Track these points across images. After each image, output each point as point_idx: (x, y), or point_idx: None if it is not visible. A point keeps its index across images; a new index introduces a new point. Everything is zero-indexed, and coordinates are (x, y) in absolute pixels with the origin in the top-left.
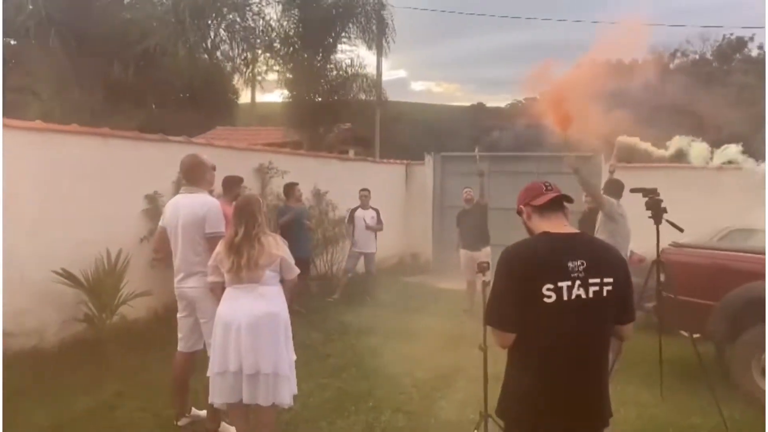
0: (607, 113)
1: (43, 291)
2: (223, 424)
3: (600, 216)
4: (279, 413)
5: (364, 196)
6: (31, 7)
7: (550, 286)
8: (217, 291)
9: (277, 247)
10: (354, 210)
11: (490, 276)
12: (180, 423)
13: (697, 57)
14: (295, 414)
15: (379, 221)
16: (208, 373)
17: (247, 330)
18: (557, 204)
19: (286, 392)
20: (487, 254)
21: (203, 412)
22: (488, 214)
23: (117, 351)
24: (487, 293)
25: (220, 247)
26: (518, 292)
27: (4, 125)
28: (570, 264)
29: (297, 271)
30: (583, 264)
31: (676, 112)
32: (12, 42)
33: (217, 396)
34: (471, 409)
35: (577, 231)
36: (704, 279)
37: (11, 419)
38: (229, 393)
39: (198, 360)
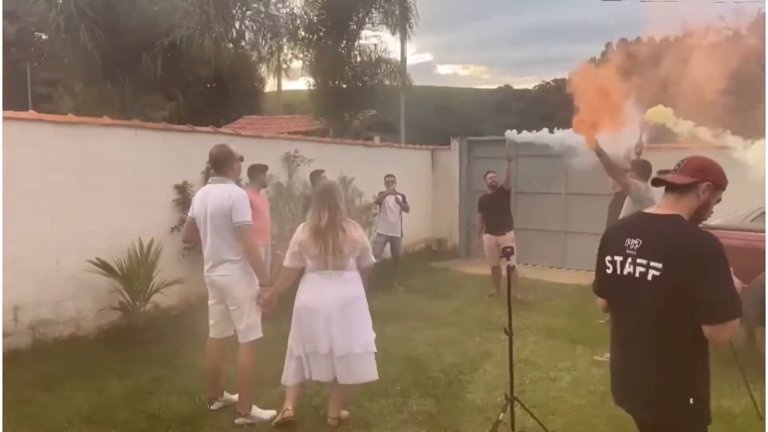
0: (640, 96)
1: (80, 280)
2: (255, 408)
3: (627, 200)
4: (309, 397)
5: (390, 181)
6: (61, 2)
7: (609, 258)
8: (290, 276)
9: (359, 233)
10: (382, 194)
11: (514, 261)
12: (213, 407)
13: (731, 33)
14: (324, 398)
15: (404, 204)
16: (294, 354)
17: (338, 314)
18: (671, 185)
19: (374, 367)
20: (512, 238)
21: (235, 397)
22: (514, 198)
23: (151, 338)
24: (512, 278)
25: (303, 234)
26: (598, 261)
27: (38, 119)
28: (627, 240)
29: (374, 258)
30: (639, 242)
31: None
32: (44, 37)
33: (314, 373)
34: (498, 392)
35: (668, 213)
36: (734, 261)
37: (53, 404)
38: (324, 373)
39: (229, 346)
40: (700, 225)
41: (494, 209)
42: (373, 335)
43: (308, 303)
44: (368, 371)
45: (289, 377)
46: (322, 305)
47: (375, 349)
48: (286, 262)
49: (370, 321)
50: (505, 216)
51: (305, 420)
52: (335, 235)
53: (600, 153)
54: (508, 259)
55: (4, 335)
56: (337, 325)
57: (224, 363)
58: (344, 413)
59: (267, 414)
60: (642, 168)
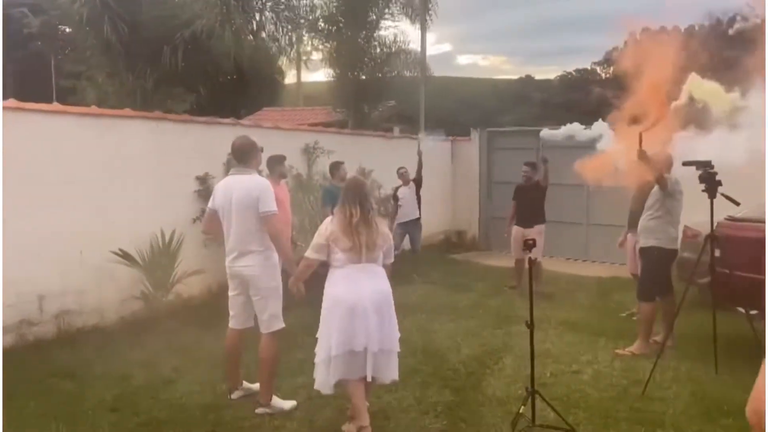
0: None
1: (103, 270)
2: (275, 398)
3: (655, 192)
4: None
5: (403, 173)
6: None
7: None
8: (310, 266)
9: (386, 228)
10: (398, 188)
11: (536, 254)
12: (233, 396)
13: (758, 20)
14: (342, 389)
15: (418, 177)
16: (321, 358)
17: (374, 309)
18: None
19: (396, 367)
20: (538, 232)
21: (255, 386)
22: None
23: (173, 327)
24: (535, 271)
25: (333, 226)
26: None
27: (62, 111)
28: None
29: (393, 257)
30: None
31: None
32: (67, 30)
33: (342, 373)
34: (518, 385)
35: None
36: (761, 254)
37: (77, 392)
38: (354, 370)
39: (249, 336)
40: (727, 217)
41: (527, 202)
42: (398, 334)
43: (345, 297)
44: (394, 370)
45: (322, 384)
46: (359, 300)
47: (399, 349)
48: (309, 253)
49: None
50: (536, 210)
51: (325, 410)
52: (368, 228)
53: (645, 160)
54: (530, 252)
55: (30, 324)
56: (374, 320)
57: (244, 353)
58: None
59: (287, 404)
60: (668, 161)
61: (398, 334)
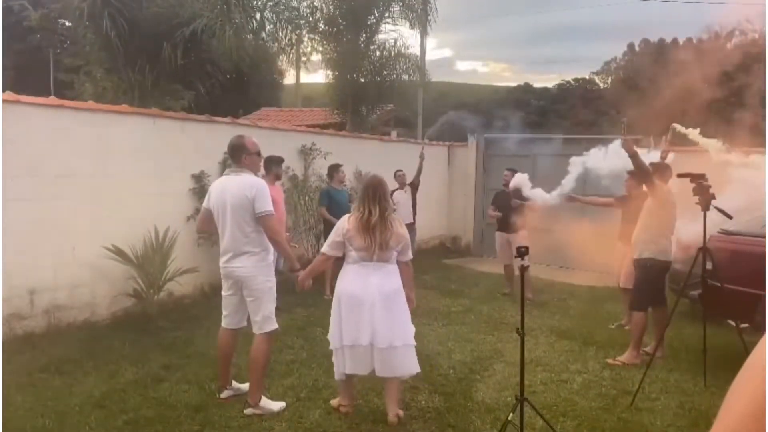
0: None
1: (95, 266)
2: (264, 399)
3: (648, 202)
4: (318, 390)
5: (400, 176)
6: None
7: None
8: (325, 262)
9: (403, 229)
10: (394, 191)
11: (528, 260)
12: (222, 396)
13: (756, 36)
14: (332, 392)
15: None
16: (334, 346)
17: (381, 305)
18: None
19: (415, 361)
20: (524, 237)
21: (245, 386)
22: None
23: (164, 325)
24: (525, 278)
25: (349, 225)
26: None
27: (59, 105)
28: None
29: (411, 254)
30: None
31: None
32: (67, 24)
33: (349, 367)
34: (507, 392)
35: None
36: (753, 267)
37: (65, 387)
38: (361, 366)
39: (241, 337)
40: (720, 230)
41: (508, 207)
42: (413, 328)
43: (353, 293)
44: (409, 365)
45: (338, 372)
46: (366, 296)
47: (415, 343)
48: (326, 249)
49: (409, 314)
50: (517, 215)
51: (314, 411)
52: (384, 228)
53: (634, 154)
54: (522, 259)
55: (20, 318)
56: (380, 316)
57: (235, 353)
58: (399, 411)
59: (276, 405)
60: (664, 171)
61: (412, 329)
